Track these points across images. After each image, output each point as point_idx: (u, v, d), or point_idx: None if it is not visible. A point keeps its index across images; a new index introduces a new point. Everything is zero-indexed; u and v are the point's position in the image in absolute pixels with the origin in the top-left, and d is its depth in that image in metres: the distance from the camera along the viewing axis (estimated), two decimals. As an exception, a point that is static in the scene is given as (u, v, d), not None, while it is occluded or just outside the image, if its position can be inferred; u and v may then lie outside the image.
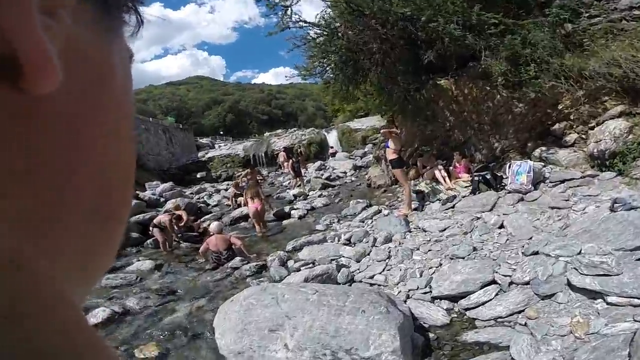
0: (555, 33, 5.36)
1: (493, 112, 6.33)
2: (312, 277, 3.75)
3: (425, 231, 4.79)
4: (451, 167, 6.55)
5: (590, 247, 2.95)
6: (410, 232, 4.90)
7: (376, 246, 4.57)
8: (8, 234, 0.14)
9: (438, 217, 5.16)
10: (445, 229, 4.63)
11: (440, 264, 3.66)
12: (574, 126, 5.41)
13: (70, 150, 0.16)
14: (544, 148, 5.65)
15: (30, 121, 0.14)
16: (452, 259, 3.71)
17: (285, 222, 7.26)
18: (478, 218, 4.68)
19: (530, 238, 3.72)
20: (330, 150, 18.26)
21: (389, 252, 4.25)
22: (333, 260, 4.43)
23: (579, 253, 2.94)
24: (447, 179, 6.39)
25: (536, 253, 3.23)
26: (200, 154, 24.87)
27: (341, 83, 7.44)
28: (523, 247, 3.53)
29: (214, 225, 5.53)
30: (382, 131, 5.77)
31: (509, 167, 5.30)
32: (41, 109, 0.14)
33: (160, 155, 23.86)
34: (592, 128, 5.09)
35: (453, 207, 5.40)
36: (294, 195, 9.25)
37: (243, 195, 9.50)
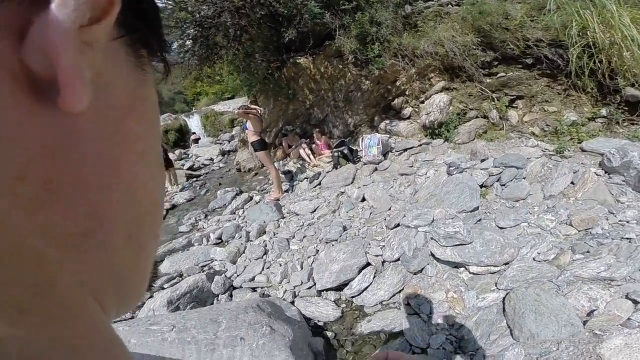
0: (397, 14, 5.84)
1: (346, 89, 6.63)
2: (178, 296, 3.05)
3: (297, 215, 4.66)
4: (314, 145, 6.65)
5: (440, 212, 3.31)
6: (284, 218, 4.70)
7: (250, 241, 4.18)
8: (41, 242, 0.15)
9: (307, 198, 5.11)
10: (315, 210, 4.60)
11: (317, 251, 3.56)
12: (409, 100, 6.16)
13: (103, 169, 0.17)
14: (387, 121, 6.25)
15: (66, 137, 0.15)
16: (327, 242, 3.66)
17: None
18: (342, 193, 4.83)
19: (390, 209, 4.01)
20: (193, 137, 16.51)
21: (265, 246, 3.92)
22: (204, 267, 3.83)
23: (433, 220, 3.24)
24: (311, 156, 6.47)
25: (398, 225, 3.44)
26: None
27: (190, 63, 6.47)
28: (385, 220, 3.76)
29: None
30: (237, 112, 5.24)
31: (362, 140, 5.67)
32: (76, 128, 0.16)
33: None
34: (423, 102, 5.90)
35: (320, 184, 5.46)
36: None
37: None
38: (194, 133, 17.63)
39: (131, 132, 0.19)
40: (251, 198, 5.83)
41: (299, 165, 6.47)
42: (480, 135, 5.19)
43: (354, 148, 6.02)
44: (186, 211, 6.32)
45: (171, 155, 11.80)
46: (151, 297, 3.15)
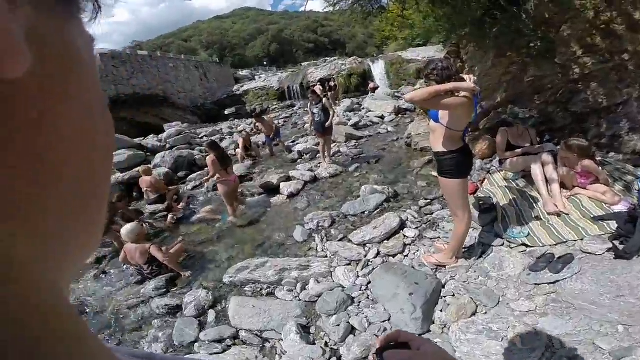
0: None
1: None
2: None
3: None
4: (562, 165, 3.29)
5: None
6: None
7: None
8: None
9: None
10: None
11: None
12: None
13: (45, 133, 0.16)
14: None
15: (3, 105, 0.14)
16: None
17: (270, 200, 5.04)
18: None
19: None
20: (370, 85, 14.70)
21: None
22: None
23: None
24: (554, 187, 3.17)
25: None
26: (236, 87, 22.94)
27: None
28: None
29: (125, 232, 3.56)
30: (410, 97, 2.34)
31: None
32: (13, 93, 0.14)
33: (194, 91, 22.61)
34: None
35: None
36: (298, 152, 6.81)
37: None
38: (371, 81, 15.92)
39: (72, 88, 0.18)
40: (403, 225, 3.50)
41: (517, 200, 3.44)
42: None
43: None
44: (321, 195, 4.80)
45: (339, 109, 10.62)
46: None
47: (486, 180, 4.00)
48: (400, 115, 8.99)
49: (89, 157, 0.19)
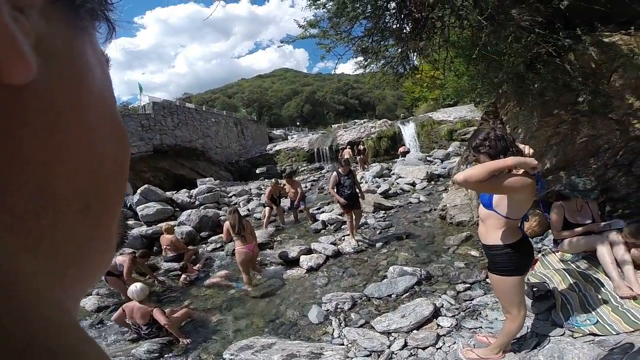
0: None
1: None
2: None
3: None
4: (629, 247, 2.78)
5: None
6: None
7: None
8: None
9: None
10: None
11: None
12: None
13: (52, 143, 0.16)
14: None
15: (10, 113, 0.14)
16: None
17: (288, 272, 4.66)
18: None
19: None
20: (401, 149, 14.51)
21: None
22: None
23: None
24: (627, 269, 2.69)
25: None
26: (269, 146, 23.86)
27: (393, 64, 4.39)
28: None
29: (134, 290, 3.47)
30: (463, 178, 1.81)
31: None
32: (21, 102, 0.14)
33: (230, 147, 23.66)
34: None
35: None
36: (322, 221, 6.47)
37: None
38: (402, 145, 15.85)
39: (81, 100, 0.18)
40: (436, 311, 3.03)
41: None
42: None
43: None
44: (343, 271, 4.36)
45: (367, 174, 10.46)
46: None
47: (538, 262, 3.46)
48: (433, 182, 8.60)
49: (97, 171, 0.19)
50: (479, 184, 1.79)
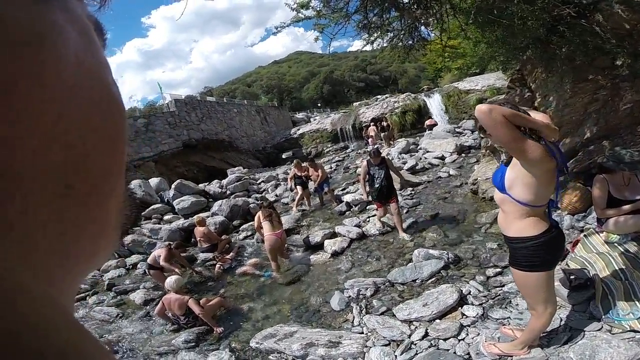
0: None
1: None
2: None
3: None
4: None
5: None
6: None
7: None
8: None
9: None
10: None
11: None
12: None
13: (5, 117, 0.14)
14: None
15: None
16: None
17: (313, 258, 4.72)
18: None
19: None
20: (427, 122, 13.98)
21: None
22: None
23: None
24: None
25: None
26: (292, 130, 23.96)
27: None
28: None
29: (169, 282, 3.76)
30: (481, 110, 1.63)
31: None
32: None
33: (255, 135, 24.07)
34: None
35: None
36: (347, 203, 6.41)
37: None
38: (429, 117, 15.21)
39: (45, 64, 0.15)
40: (462, 299, 2.94)
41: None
42: None
43: None
44: (367, 254, 4.35)
45: (393, 150, 10.20)
46: None
47: (579, 244, 3.16)
48: (463, 155, 8.26)
49: (76, 147, 0.17)
50: (502, 123, 1.57)
